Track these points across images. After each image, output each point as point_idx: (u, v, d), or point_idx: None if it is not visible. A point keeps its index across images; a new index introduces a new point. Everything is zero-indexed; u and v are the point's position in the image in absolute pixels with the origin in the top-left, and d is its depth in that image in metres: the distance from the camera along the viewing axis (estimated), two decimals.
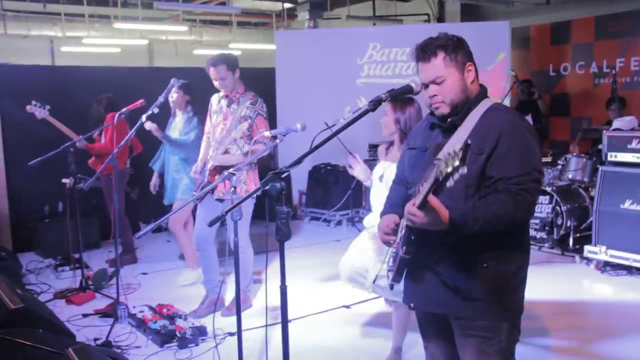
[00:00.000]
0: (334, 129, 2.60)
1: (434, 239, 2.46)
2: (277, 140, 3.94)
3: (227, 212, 2.61)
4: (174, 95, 6.04)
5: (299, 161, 2.53)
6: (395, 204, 2.79)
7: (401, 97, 3.92)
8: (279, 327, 3.84)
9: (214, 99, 5.55)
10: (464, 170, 2.09)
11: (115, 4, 12.13)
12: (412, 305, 2.79)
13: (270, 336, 4.45)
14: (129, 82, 7.75)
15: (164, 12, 13.18)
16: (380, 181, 4.07)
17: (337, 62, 9.75)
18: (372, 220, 4.12)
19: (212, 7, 12.38)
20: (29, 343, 3.46)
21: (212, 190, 5.21)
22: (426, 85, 2.61)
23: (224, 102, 5.41)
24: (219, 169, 5.18)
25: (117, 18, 12.80)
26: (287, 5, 12.62)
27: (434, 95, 2.59)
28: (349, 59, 9.82)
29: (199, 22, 14.49)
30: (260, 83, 6.08)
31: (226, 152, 5.19)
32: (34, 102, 6.28)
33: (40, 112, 6.28)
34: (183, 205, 5.58)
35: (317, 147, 2.58)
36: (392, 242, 2.66)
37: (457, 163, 2.08)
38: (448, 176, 2.13)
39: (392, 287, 2.72)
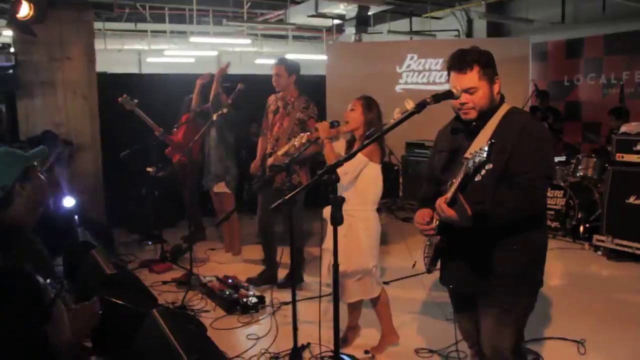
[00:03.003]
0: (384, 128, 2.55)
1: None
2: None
3: (285, 200, 2.58)
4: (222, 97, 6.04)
5: (351, 156, 2.50)
6: (427, 199, 2.74)
7: (371, 100, 3.85)
8: (328, 298, 3.84)
9: (272, 99, 5.53)
10: (489, 165, 2.06)
11: (191, 21, 12.25)
12: (451, 286, 2.76)
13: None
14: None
15: (231, 27, 13.26)
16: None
17: (379, 71, 9.66)
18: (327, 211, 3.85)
19: (272, 23, 12.44)
20: (122, 303, 3.52)
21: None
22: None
23: (280, 104, 5.39)
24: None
25: (193, 33, 12.96)
26: (336, 21, 12.57)
27: (465, 103, 2.54)
28: (389, 68, 9.72)
29: (260, 36, 14.57)
30: (311, 88, 6.06)
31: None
32: (125, 95, 6.33)
33: (129, 104, 6.33)
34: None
35: (367, 144, 2.55)
36: (427, 232, 2.62)
37: (483, 159, 2.05)
38: (476, 172, 2.10)
39: (429, 271, 2.68)
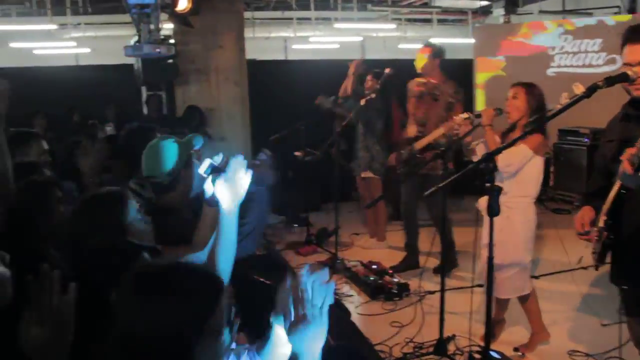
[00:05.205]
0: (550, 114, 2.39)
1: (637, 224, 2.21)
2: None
3: (441, 186, 2.49)
4: (369, 82, 5.98)
5: (511, 144, 2.36)
6: (594, 194, 2.57)
7: (534, 86, 3.56)
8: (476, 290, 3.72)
9: (412, 84, 5.42)
10: None
11: (336, 7, 12.37)
12: (623, 286, 2.54)
13: (465, 298, 4.28)
14: (344, 72, 7.85)
15: (375, 12, 13.23)
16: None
17: (530, 53, 9.14)
18: (482, 202, 3.38)
19: (416, 7, 12.26)
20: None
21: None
22: (632, 66, 2.32)
23: (424, 88, 5.29)
24: (424, 148, 5.08)
25: (337, 19, 13.09)
26: (483, 2, 12.07)
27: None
28: (541, 50, 9.17)
29: (404, 20, 14.39)
30: (456, 72, 5.84)
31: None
32: (320, 97, 6.47)
33: (326, 102, 6.47)
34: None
35: (529, 132, 2.39)
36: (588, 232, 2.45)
37: None
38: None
39: (597, 267, 2.48)
